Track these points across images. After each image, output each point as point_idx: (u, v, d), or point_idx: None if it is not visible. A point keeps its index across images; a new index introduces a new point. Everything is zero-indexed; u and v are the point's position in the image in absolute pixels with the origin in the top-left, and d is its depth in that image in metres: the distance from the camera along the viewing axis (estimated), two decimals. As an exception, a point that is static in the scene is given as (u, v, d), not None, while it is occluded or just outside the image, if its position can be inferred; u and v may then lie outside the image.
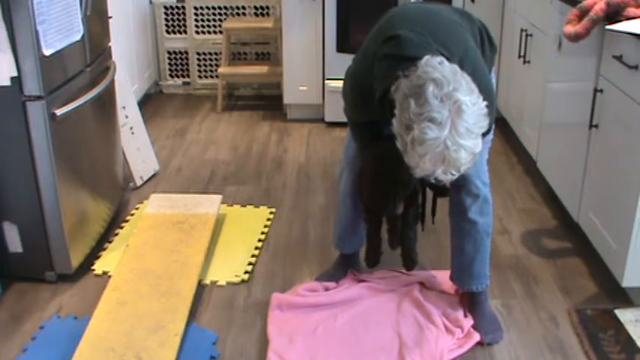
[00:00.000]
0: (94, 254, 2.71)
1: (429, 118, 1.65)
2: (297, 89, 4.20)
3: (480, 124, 1.70)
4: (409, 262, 2.36)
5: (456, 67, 1.73)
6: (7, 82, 2.20)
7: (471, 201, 2.18)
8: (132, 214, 3.05)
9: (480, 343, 2.21)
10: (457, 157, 1.67)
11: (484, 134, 1.76)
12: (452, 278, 2.38)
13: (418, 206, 2.31)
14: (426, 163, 1.70)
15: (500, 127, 3.78)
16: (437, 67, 1.71)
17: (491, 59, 2.16)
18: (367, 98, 1.93)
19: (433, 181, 1.77)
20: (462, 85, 1.69)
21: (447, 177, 1.74)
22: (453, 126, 1.65)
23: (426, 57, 1.74)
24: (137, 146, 3.36)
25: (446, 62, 1.73)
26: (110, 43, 2.95)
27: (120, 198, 3.08)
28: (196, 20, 4.70)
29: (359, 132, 2.20)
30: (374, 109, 1.92)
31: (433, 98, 1.65)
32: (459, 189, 2.17)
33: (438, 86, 1.66)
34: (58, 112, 2.32)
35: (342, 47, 4.00)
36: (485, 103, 1.72)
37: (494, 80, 2.21)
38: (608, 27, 2.32)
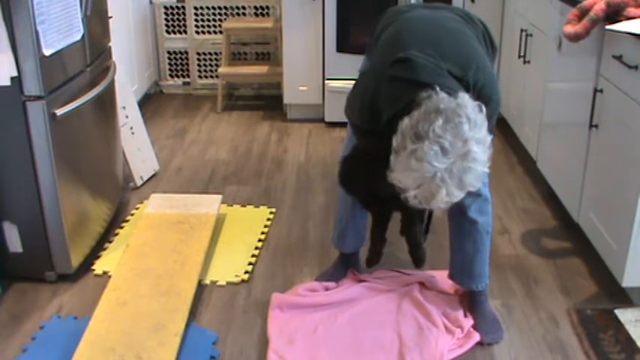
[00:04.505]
0: (94, 254, 2.71)
1: (442, 145, 1.65)
2: (297, 89, 4.20)
3: (474, 184, 1.71)
4: (417, 259, 2.33)
5: (484, 117, 1.73)
6: (7, 82, 2.20)
7: (470, 200, 2.17)
8: (132, 214, 3.05)
9: (479, 343, 2.21)
10: (435, 192, 1.68)
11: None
12: (451, 277, 2.37)
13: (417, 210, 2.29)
14: (407, 177, 1.70)
15: (500, 127, 3.78)
16: (475, 109, 1.71)
17: (492, 60, 2.16)
18: (376, 118, 1.92)
19: (402, 197, 1.75)
20: (485, 141, 1.70)
21: (415, 202, 1.74)
22: (451, 166, 1.66)
23: (466, 95, 1.74)
24: (137, 146, 3.36)
25: (484, 111, 1.73)
26: (110, 43, 2.95)
27: (120, 198, 3.08)
28: (196, 20, 4.71)
29: (359, 132, 2.19)
30: (380, 127, 1.89)
31: (460, 133, 1.66)
32: None
33: (469, 125, 1.67)
34: (58, 112, 2.32)
35: (342, 47, 4.00)
36: (487, 170, 1.73)
37: None
38: (608, 27, 2.32)
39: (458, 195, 1.71)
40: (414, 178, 1.69)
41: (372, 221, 2.34)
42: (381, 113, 1.88)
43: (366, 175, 2.02)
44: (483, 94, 1.79)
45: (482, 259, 2.28)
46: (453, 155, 1.66)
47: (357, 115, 2.09)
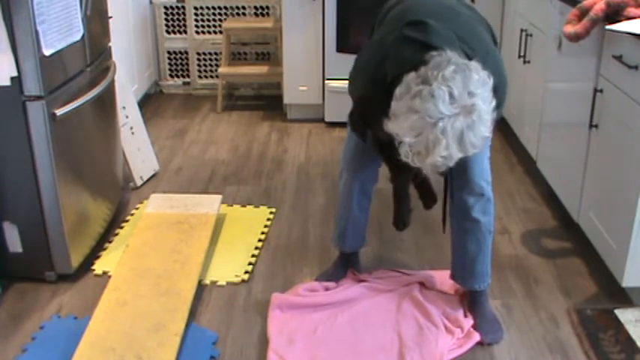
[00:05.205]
0: (94, 254, 2.71)
1: (451, 90, 1.60)
2: (297, 89, 4.20)
3: (473, 143, 1.65)
4: (399, 223, 2.32)
5: (492, 86, 1.69)
6: (7, 82, 2.20)
7: (474, 200, 2.17)
8: (132, 214, 3.05)
9: (480, 343, 2.21)
10: (433, 144, 1.61)
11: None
12: (453, 277, 2.37)
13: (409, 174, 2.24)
14: (405, 120, 1.63)
15: (501, 127, 3.78)
16: (484, 71, 1.68)
17: None
18: (379, 86, 1.83)
19: (396, 143, 1.67)
20: (490, 104, 1.66)
21: (406, 153, 1.66)
22: (455, 117, 1.61)
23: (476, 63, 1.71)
24: (137, 146, 3.36)
25: (492, 81, 1.70)
26: (110, 43, 2.95)
27: (120, 198, 3.08)
28: (196, 20, 4.71)
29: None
30: (382, 97, 1.80)
31: (469, 83, 1.62)
32: (461, 188, 2.16)
33: (478, 81, 1.63)
34: (58, 112, 2.32)
35: (342, 47, 4.00)
36: (488, 136, 1.68)
37: None
38: (608, 27, 2.32)
39: (455, 155, 1.64)
40: (414, 121, 1.62)
41: (393, 185, 2.30)
42: (386, 78, 1.80)
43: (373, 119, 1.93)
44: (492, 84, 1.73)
45: (484, 258, 2.27)
46: (458, 105, 1.60)
47: (360, 90, 2.02)
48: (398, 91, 1.69)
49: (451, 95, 1.60)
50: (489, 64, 1.78)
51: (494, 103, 1.69)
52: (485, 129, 1.66)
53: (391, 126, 1.68)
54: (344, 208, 2.43)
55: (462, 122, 1.62)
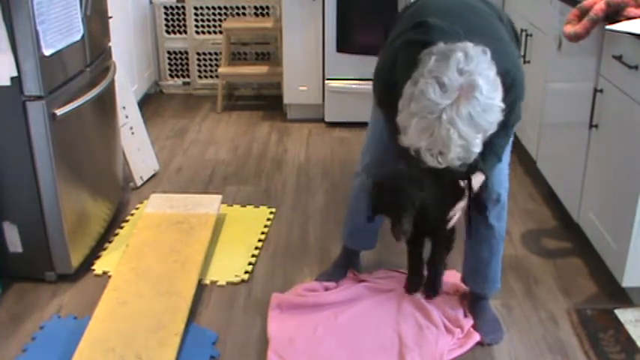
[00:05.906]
0: (94, 254, 2.70)
1: (438, 79, 1.56)
2: (297, 89, 4.19)
3: (487, 119, 1.59)
4: (430, 290, 2.36)
5: (489, 60, 1.64)
6: (7, 82, 2.20)
7: (490, 207, 2.15)
8: (132, 214, 3.05)
9: (480, 343, 2.21)
10: (447, 137, 1.56)
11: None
12: (464, 280, 2.37)
13: (447, 235, 2.28)
14: (412, 126, 1.60)
15: (500, 127, 3.77)
16: (477, 47, 1.62)
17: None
18: (392, 93, 1.79)
19: (413, 153, 1.64)
20: (489, 76, 1.60)
21: (431, 158, 1.62)
22: (457, 102, 1.56)
23: (469, 43, 1.66)
24: (137, 146, 3.35)
25: (489, 54, 1.65)
26: (110, 43, 2.95)
27: (120, 198, 3.08)
28: (196, 20, 4.70)
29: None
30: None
31: (455, 65, 1.57)
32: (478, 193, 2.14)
33: (466, 59, 1.58)
34: (58, 112, 2.32)
35: (342, 47, 4.00)
36: (502, 105, 1.62)
37: None
38: (608, 27, 2.32)
39: (473, 137, 1.58)
40: (417, 124, 1.58)
41: (408, 252, 2.37)
42: (397, 85, 1.75)
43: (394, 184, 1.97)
44: (506, 78, 1.70)
45: (496, 264, 2.27)
46: (454, 89, 1.55)
47: (377, 92, 1.98)
48: (400, 104, 1.67)
49: (441, 84, 1.57)
50: (501, 61, 1.72)
51: (494, 69, 1.63)
52: (493, 101, 1.60)
53: (404, 140, 1.66)
54: (356, 209, 2.40)
55: (465, 105, 1.57)
